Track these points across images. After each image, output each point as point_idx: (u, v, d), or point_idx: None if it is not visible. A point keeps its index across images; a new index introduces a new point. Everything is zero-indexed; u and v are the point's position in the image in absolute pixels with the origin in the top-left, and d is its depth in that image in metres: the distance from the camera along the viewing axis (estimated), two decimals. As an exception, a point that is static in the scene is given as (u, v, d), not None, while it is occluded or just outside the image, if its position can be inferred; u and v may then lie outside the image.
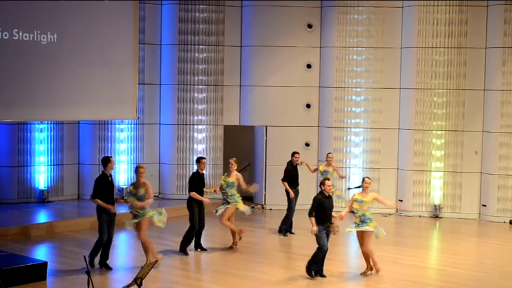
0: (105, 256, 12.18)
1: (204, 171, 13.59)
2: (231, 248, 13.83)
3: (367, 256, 12.02)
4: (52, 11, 15.26)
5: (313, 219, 11.53)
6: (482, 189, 17.48)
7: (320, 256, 11.66)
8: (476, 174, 17.52)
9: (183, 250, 13.35)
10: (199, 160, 13.60)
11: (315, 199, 11.68)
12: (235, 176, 13.73)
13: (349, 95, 18.10)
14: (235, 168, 13.82)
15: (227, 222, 13.72)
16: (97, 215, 12.13)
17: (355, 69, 18.05)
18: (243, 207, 13.85)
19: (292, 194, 15.02)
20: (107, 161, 12.17)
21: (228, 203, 13.70)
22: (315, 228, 11.50)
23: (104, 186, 12.05)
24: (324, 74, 18.39)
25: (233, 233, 13.87)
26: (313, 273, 11.70)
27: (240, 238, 13.89)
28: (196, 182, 13.40)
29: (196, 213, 13.43)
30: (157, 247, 13.46)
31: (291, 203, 15.15)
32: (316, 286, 11.35)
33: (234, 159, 13.94)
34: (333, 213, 12.04)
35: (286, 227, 15.26)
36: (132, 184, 12.26)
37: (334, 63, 18.11)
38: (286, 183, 15.05)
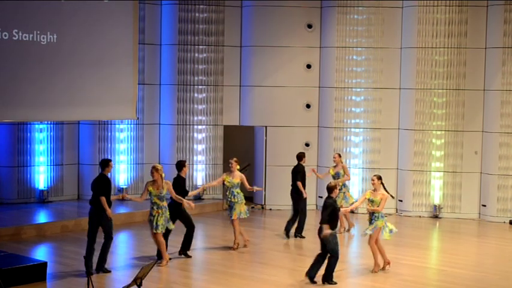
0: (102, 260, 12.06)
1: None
2: (232, 248, 13.77)
3: (375, 251, 12.18)
4: (52, 11, 15.27)
5: (327, 226, 11.31)
6: (482, 189, 17.47)
7: (335, 264, 11.44)
8: (476, 175, 17.52)
9: (185, 253, 13.23)
10: (184, 164, 13.35)
11: (329, 204, 11.39)
12: (239, 177, 13.71)
13: (349, 95, 18.09)
14: (237, 168, 13.78)
15: (237, 224, 13.74)
16: (104, 217, 11.78)
17: (355, 69, 18.05)
18: (244, 208, 13.79)
19: (306, 194, 14.94)
20: (105, 164, 12.02)
21: (235, 203, 13.63)
22: (329, 231, 11.29)
23: (107, 187, 11.93)
24: (324, 74, 18.39)
25: (237, 234, 13.82)
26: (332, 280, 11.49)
27: (241, 245, 13.82)
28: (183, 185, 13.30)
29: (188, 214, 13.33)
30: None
31: (303, 205, 15.06)
32: (317, 286, 11.34)
33: (235, 159, 13.91)
34: (343, 210, 12.61)
35: (299, 230, 15.11)
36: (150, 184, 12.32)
37: (334, 64, 18.11)
38: (300, 184, 14.94)
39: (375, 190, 12.17)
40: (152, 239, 12.47)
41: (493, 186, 17.16)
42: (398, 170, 18.02)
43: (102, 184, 11.83)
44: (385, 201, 12.09)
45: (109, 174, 12.05)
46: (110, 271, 11.88)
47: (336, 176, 15.22)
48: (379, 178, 12.21)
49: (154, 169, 12.31)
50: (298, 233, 15.00)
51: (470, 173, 17.52)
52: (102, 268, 11.82)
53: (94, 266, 11.74)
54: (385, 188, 12.26)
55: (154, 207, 12.27)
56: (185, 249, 13.24)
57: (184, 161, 13.51)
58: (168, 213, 12.39)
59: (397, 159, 18.06)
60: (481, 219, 17.41)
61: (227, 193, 13.86)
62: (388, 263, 12.32)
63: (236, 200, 13.64)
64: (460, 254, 13.91)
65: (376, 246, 12.19)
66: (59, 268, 12.10)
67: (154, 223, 12.21)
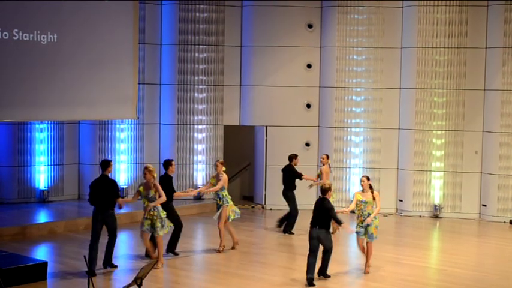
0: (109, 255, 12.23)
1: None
2: (233, 248, 13.73)
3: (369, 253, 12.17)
4: (52, 11, 15.27)
5: (345, 224, 11.71)
6: (482, 189, 17.48)
7: (329, 258, 11.67)
8: (477, 174, 17.52)
9: (172, 251, 13.26)
10: (171, 163, 13.33)
11: (331, 206, 11.51)
12: (225, 178, 13.46)
13: (349, 95, 18.10)
14: (224, 169, 13.51)
15: (223, 226, 13.59)
16: (113, 218, 12.00)
17: (355, 69, 18.05)
18: (231, 209, 13.55)
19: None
20: (107, 165, 12.14)
21: (221, 205, 13.44)
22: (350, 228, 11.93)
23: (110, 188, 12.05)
24: (324, 74, 18.39)
25: (231, 234, 13.77)
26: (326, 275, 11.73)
27: (229, 247, 13.68)
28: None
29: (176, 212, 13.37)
30: (158, 247, 13.49)
31: (296, 203, 15.30)
32: (317, 286, 11.34)
33: (221, 160, 13.74)
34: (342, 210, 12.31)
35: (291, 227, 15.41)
36: (141, 185, 12.26)
37: (334, 63, 18.11)
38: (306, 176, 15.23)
39: (363, 191, 12.08)
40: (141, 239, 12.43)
41: (493, 186, 17.16)
42: (398, 169, 18.02)
43: (107, 185, 11.99)
44: (379, 199, 12.13)
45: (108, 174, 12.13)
46: (116, 266, 12.11)
47: (321, 175, 15.28)
48: (368, 179, 12.16)
49: (146, 170, 12.15)
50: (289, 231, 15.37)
51: (471, 172, 17.52)
52: (109, 263, 12.08)
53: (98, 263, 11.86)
54: (371, 188, 12.16)
55: (147, 209, 12.14)
56: (172, 247, 13.23)
57: (171, 160, 13.38)
58: (163, 213, 12.21)
59: (397, 159, 18.06)
60: (481, 219, 17.41)
61: (214, 196, 13.56)
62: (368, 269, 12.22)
63: (222, 203, 13.43)
64: (460, 254, 13.91)
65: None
66: (59, 268, 12.11)
67: (146, 226, 12.11)
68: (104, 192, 11.90)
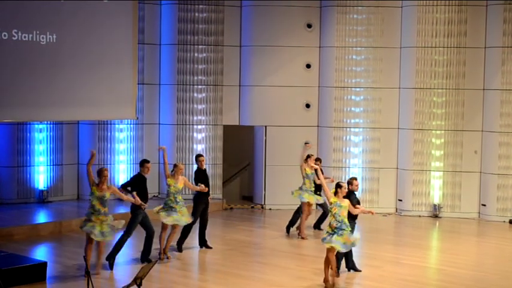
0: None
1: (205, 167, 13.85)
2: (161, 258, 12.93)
3: (328, 264, 11.27)
4: (51, 11, 15.26)
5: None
6: (481, 188, 17.48)
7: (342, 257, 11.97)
8: (476, 174, 17.52)
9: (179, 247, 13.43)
10: (198, 158, 13.84)
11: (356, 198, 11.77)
12: (182, 181, 13.05)
13: (348, 95, 18.10)
14: (182, 172, 13.12)
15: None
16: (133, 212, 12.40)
17: (354, 69, 18.05)
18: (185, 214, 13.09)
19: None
20: (141, 164, 12.68)
21: (176, 210, 12.89)
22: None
23: (140, 184, 12.40)
24: (324, 73, 18.39)
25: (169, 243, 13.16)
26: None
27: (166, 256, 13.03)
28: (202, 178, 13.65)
29: (200, 210, 13.67)
30: (157, 246, 13.47)
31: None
32: (317, 286, 11.34)
33: (180, 162, 13.42)
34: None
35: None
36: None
37: (334, 63, 18.11)
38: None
39: (338, 195, 11.15)
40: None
41: (492, 186, 17.17)
42: (398, 169, 18.02)
43: (135, 181, 12.53)
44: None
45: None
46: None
47: (311, 175, 15.15)
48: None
49: (100, 171, 12.00)
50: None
51: (470, 172, 17.52)
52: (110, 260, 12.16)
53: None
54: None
55: (95, 213, 11.51)
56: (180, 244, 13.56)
57: (198, 155, 14.02)
58: (109, 219, 11.64)
59: (396, 158, 18.06)
60: (480, 218, 17.41)
61: (168, 197, 13.01)
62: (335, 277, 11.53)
63: (178, 207, 12.90)
64: (460, 253, 13.91)
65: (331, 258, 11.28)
66: (59, 268, 12.10)
67: (92, 229, 11.46)
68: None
